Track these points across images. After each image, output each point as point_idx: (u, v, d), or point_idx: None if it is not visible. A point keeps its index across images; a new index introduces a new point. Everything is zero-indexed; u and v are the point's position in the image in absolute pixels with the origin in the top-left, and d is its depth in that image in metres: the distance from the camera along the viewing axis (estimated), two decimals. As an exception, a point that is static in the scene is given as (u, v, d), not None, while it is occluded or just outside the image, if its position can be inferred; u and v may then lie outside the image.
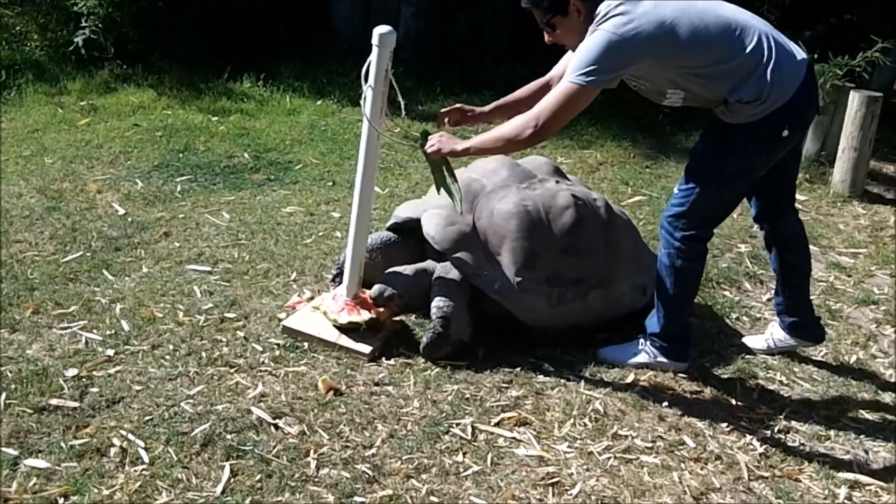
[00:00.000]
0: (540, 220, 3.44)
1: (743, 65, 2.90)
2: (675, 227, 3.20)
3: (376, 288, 3.36)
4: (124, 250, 3.98)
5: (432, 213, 3.51)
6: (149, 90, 6.53)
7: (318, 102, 6.62)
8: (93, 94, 6.42)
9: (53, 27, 7.07)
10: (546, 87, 3.31)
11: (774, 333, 3.52)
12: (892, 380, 3.45)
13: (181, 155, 5.30)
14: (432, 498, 2.59)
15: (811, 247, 4.60)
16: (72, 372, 3.02)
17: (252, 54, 7.20)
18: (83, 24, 6.67)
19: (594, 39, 2.84)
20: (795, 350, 3.54)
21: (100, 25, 6.69)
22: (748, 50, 2.90)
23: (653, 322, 3.34)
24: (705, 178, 3.09)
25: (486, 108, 3.46)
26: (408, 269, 3.47)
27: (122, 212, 4.39)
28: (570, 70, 2.88)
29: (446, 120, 3.43)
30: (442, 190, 3.25)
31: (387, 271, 3.46)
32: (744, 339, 3.61)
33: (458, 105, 3.47)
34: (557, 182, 3.68)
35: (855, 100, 5.42)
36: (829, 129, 5.77)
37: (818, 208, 5.28)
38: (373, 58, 3.11)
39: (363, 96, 3.18)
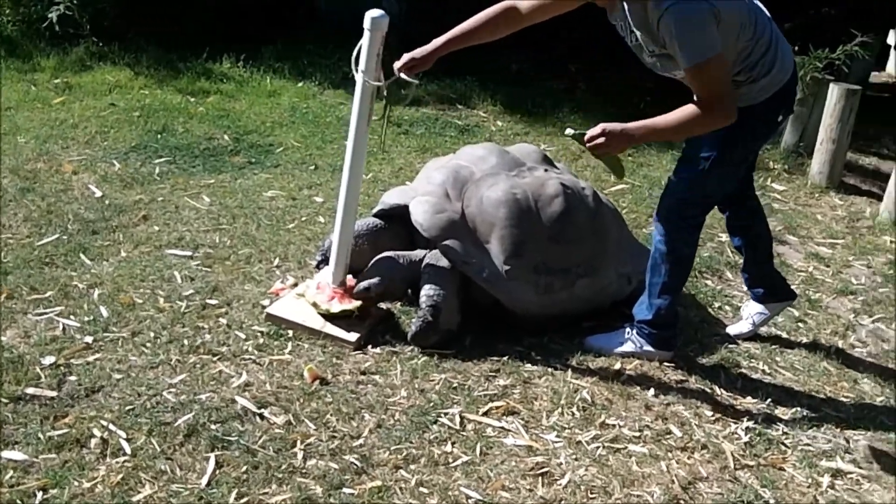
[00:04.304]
0: (529, 209, 3.42)
1: (761, 41, 2.92)
2: (681, 214, 3.19)
3: (361, 284, 3.32)
4: (102, 234, 3.89)
5: (420, 199, 3.47)
6: (125, 69, 6.40)
7: (300, 84, 6.53)
8: (67, 71, 6.27)
9: (26, 2, 6.87)
10: (511, 10, 3.08)
11: (751, 309, 3.58)
12: (871, 369, 3.49)
13: (159, 136, 5.21)
14: (422, 489, 2.57)
15: (790, 236, 4.67)
16: (49, 360, 2.95)
17: (232, 34, 7.08)
18: (57, -1, 6.52)
19: (688, 20, 2.72)
20: (775, 319, 3.64)
21: (75, 2, 6.52)
22: (765, 27, 2.93)
23: (642, 309, 3.34)
24: (712, 165, 3.08)
25: (439, 41, 3.11)
26: (391, 257, 3.43)
27: (98, 194, 4.30)
28: (688, 56, 2.75)
29: (402, 74, 3.11)
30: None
31: (375, 259, 3.42)
32: (727, 330, 3.62)
33: (408, 58, 3.11)
34: (546, 170, 3.65)
35: (834, 92, 5.44)
36: (808, 120, 5.80)
37: (796, 199, 5.30)
38: (364, 42, 3.06)
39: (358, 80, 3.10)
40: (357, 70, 3.11)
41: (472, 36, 3.13)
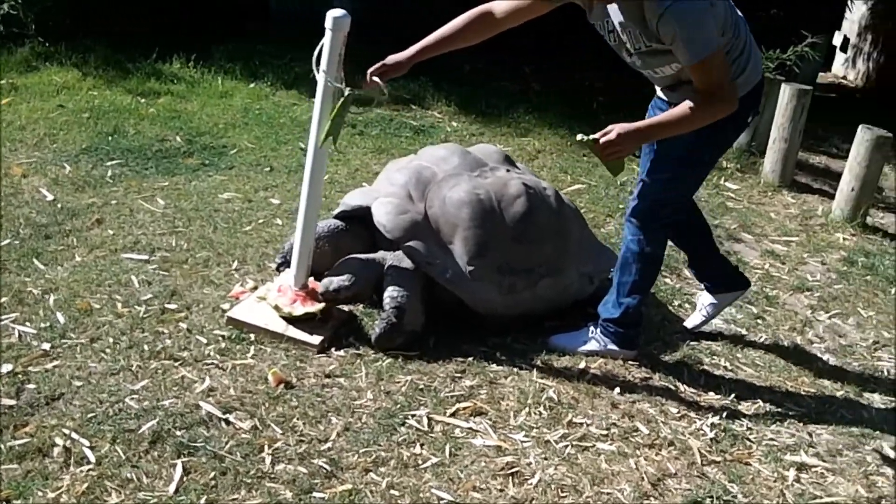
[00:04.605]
0: (492, 209, 3.42)
1: (738, 40, 2.97)
2: (654, 215, 3.22)
3: (325, 282, 3.29)
4: (55, 238, 3.79)
5: (383, 201, 3.45)
6: (73, 69, 6.25)
7: (252, 85, 6.45)
8: (13, 72, 6.11)
9: (-32, 2, 6.71)
10: (487, 15, 3.07)
11: (704, 300, 3.61)
12: (830, 364, 3.56)
13: (110, 138, 5.10)
14: (393, 491, 2.54)
15: (745, 234, 4.75)
16: (6, 368, 2.86)
17: (181, 34, 6.97)
18: (1, -1, 6.36)
19: (691, 19, 2.75)
20: (734, 315, 3.71)
21: (19, 1, 6.37)
22: (742, 28, 2.98)
23: (608, 308, 3.35)
24: (685, 166, 3.13)
25: (414, 48, 3.10)
26: (358, 259, 3.40)
27: (50, 197, 4.19)
28: (694, 52, 2.77)
29: (374, 78, 3.08)
30: None
31: (338, 262, 3.39)
32: (685, 323, 3.66)
33: (380, 63, 3.09)
34: (508, 170, 3.65)
35: (786, 92, 5.54)
36: (760, 120, 5.89)
37: (750, 197, 5.39)
38: (326, 42, 3.02)
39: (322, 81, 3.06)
40: (318, 70, 3.08)
41: (448, 42, 3.12)
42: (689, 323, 3.65)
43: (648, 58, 2.95)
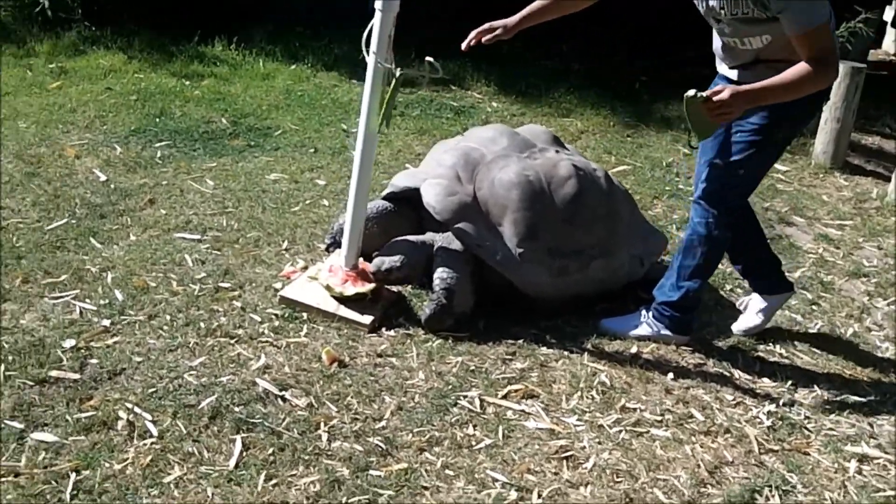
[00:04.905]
0: (542, 191, 3.40)
1: (832, 20, 2.90)
2: (723, 198, 3.18)
3: (376, 262, 3.30)
4: (110, 217, 3.84)
5: (432, 182, 3.44)
6: (119, 53, 6.31)
7: (292, 67, 6.47)
8: (62, 56, 6.19)
9: (18, -13, 6.80)
10: None
11: (756, 304, 3.49)
12: (889, 353, 3.48)
13: (158, 120, 5.15)
14: (447, 471, 2.55)
15: (796, 217, 4.68)
16: (69, 343, 2.92)
17: (222, 17, 7.00)
18: (49, -16, 6.43)
19: None
20: (788, 302, 3.59)
21: (67, -14, 6.46)
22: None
23: (665, 291, 3.32)
24: (757, 147, 3.07)
25: (520, 15, 3.20)
26: (408, 241, 3.40)
27: (103, 178, 4.24)
28: (808, 19, 2.75)
29: (473, 43, 3.18)
30: None
31: (388, 243, 3.40)
32: (734, 328, 3.50)
33: (484, 26, 3.19)
34: (557, 151, 3.63)
35: (839, 71, 5.42)
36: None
37: (801, 179, 5.31)
38: (375, 23, 3.02)
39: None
40: (368, 52, 3.08)
41: (552, 10, 3.21)
42: (742, 326, 3.49)
43: (743, 25, 2.89)
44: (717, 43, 3.13)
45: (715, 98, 2.76)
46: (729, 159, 3.12)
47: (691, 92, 2.79)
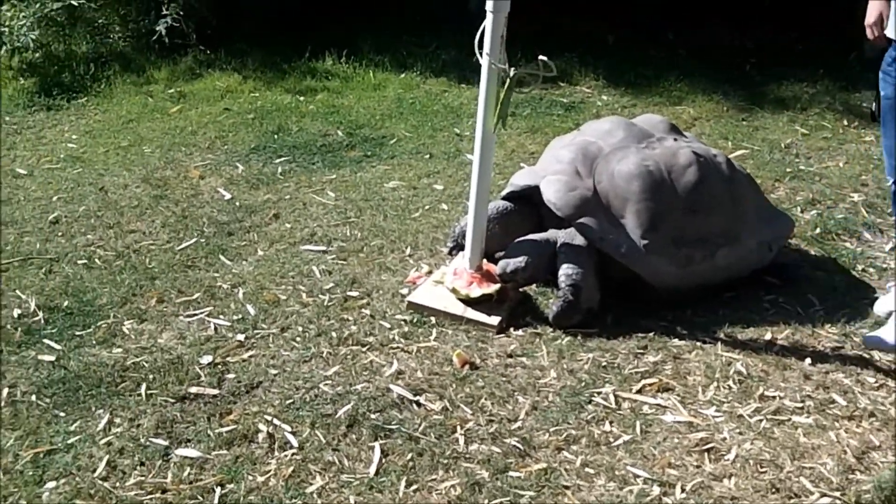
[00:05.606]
0: (662, 180, 3.34)
1: None
2: None
3: (501, 264, 3.32)
4: (237, 234, 3.98)
5: (551, 179, 3.43)
6: (233, 74, 6.52)
7: (402, 76, 6.54)
8: (179, 81, 6.44)
9: (134, 17, 7.08)
10: None
11: None
12: None
13: (276, 136, 5.30)
14: (587, 469, 2.54)
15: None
16: (206, 359, 3.03)
17: (328, 31, 7.15)
18: (164, 12, 6.69)
19: None
20: None
21: (180, 13, 6.70)
22: None
23: None
24: None
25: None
26: (531, 240, 3.40)
27: (228, 196, 4.40)
28: None
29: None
30: None
31: (511, 244, 3.40)
32: (875, 309, 3.38)
33: (878, 14, 3.10)
34: (676, 140, 3.56)
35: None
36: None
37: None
38: (487, 24, 3.03)
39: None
40: (482, 54, 3.09)
41: None
42: (885, 308, 3.35)
43: None
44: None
45: None
46: None
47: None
